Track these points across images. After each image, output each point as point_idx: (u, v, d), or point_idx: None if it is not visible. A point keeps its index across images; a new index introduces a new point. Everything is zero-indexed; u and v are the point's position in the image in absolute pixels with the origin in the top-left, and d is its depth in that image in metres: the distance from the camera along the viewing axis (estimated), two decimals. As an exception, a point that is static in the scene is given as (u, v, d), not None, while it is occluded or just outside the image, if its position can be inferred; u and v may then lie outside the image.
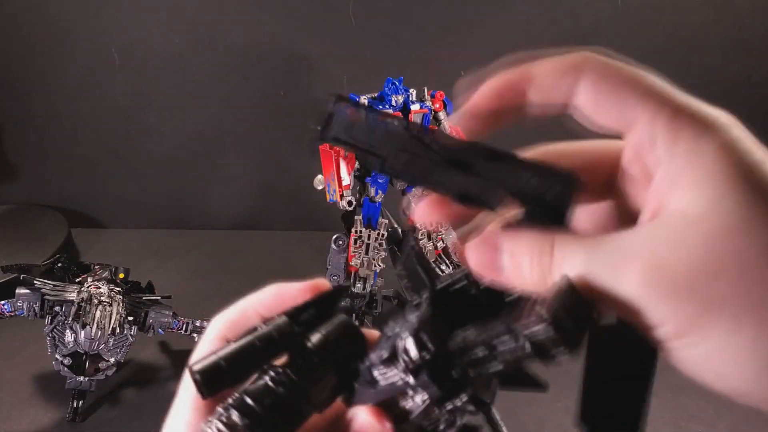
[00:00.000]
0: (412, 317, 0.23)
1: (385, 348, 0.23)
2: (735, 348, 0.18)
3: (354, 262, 0.84)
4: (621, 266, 0.19)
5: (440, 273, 0.89)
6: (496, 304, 0.23)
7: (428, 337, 0.22)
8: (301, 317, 0.25)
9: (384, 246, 0.85)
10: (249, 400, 0.22)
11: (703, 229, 0.18)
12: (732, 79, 1.16)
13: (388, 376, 0.23)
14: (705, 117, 0.21)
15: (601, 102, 0.22)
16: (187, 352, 0.84)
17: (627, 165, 0.23)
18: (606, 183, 0.24)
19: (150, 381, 0.88)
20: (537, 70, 0.23)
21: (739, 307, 0.18)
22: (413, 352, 0.22)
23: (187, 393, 0.26)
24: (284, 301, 0.27)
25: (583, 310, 0.19)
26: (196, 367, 0.22)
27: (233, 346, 0.23)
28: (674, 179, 0.20)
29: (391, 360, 0.23)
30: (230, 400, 0.23)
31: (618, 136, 0.23)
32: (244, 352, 0.23)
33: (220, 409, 0.22)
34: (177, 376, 0.88)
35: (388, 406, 0.24)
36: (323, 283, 0.28)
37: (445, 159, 0.23)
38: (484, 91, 0.24)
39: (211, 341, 0.26)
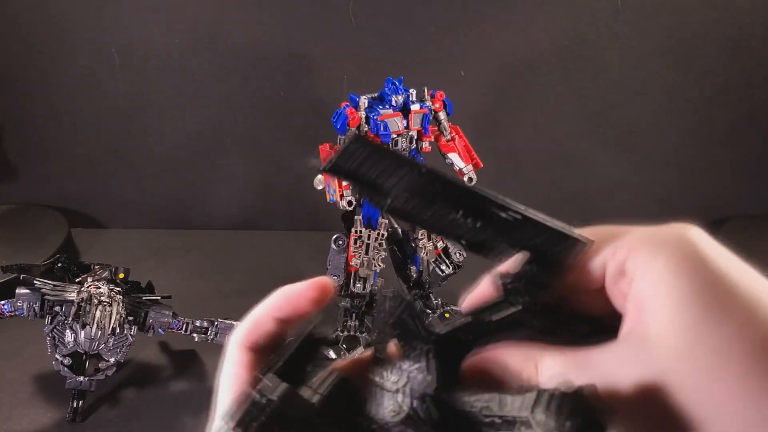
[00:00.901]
0: (415, 372, 0.23)
1: (388, 402, 0.23)
2: None
3: (354, 262, 0.84)
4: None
5: (441, 272, 0.88)
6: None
7: (435, 399, 0.22)
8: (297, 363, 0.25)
9: (384, 246, 0.85)
10: None
11: (661, 353, 0.21)
12: (732, 79, 1.16)
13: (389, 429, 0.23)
14: (662, 241, 0.23)
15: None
16: (188, 352, 0.84)
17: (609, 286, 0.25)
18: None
19: (150, 381, 0.88)
20: None
21: (704, 411, 0.20)
22: (421, 411, 0.22)
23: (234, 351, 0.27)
24: (293, 303, 0.28)
25: (583, 413, 0.20)
26: None
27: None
28: (639, 302, 0.22)
29: (393, 414, 0.23)
30: None
31: None
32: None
33: None
34: (177, 376, 0.89)
35: None
36: (326, 281, 0.29)
37: (458, 204, 0.23)
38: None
39: (236, 352, 0.27)
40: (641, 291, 0.22)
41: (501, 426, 0.21)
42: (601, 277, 0.24)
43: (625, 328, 0.23)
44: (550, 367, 0.23)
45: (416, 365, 0.23)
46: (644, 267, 0.22)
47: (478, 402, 0.22)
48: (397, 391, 0.23)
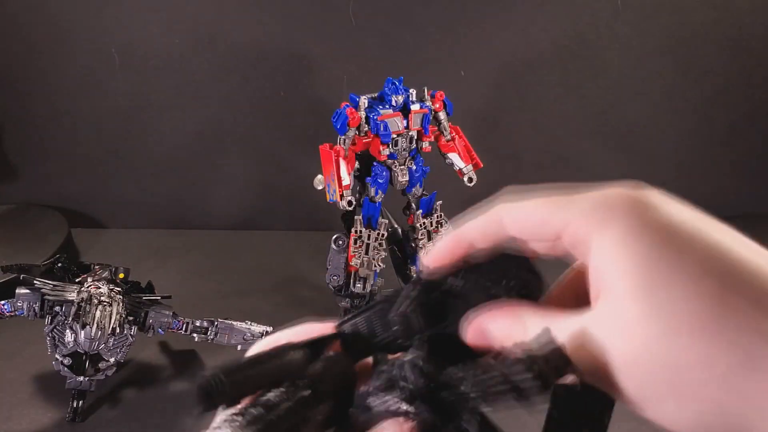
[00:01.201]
0: (408, 354, 0.25)
1: (383, 378, 0.25)
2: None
3: (354, 262, 0.84)
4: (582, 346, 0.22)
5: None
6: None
7: (426, 366, 0.24)
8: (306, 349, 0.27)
9: (384, 246, 0.85)
10: (257, 410, 0.23)
11: (613, 332, 0.21)
12: (732, 79, 1.16)
13: (385, 403, 0.24)
14: (610, 209, 0.23)
15: (528, 239, 0.25)
16: (187, 352, 0.84)
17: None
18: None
19: (150, 381, 0.89)
20: (469, 236, 0.27)
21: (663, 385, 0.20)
22: (412, 378, 0.23)
23: None
24: (312, 335, 0.28)
25: (558, 361, 0.21)
26: (209, 373, 0.23)
27: (244, 358, 0.25)
28: (596, 278, 0.23)
29: (390, 388, 0.24)
30: (236, 410, 0.23)
31: None
32: (253, 362, 0.25)
33: (226, 416, 0.23)
34: (177, 376, 0.89)
35: None
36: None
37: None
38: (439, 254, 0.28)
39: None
40: (596, 267, 0.22)
41: (472, 392, 0.22)
42: (559, 253, 0.25)
43: (592, 303, 0.23)
44: (534, 325, 0.23)
45: (413, 354, 0.25)
46: (596, 241, 0.22)
47: (461, 379, 0.23)
48: (384, 370, 0.25)
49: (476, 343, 0.25)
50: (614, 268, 0.22)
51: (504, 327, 0.25)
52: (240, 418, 0.22)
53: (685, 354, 0.20)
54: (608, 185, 0.24)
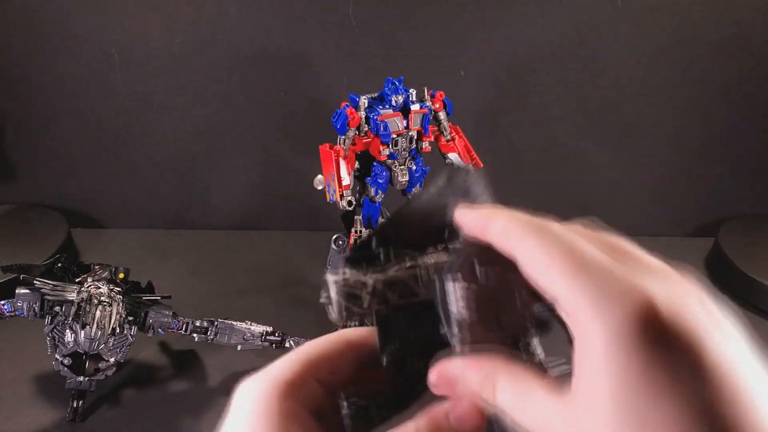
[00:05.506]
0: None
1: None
2: None
3: (354, 262, 0.84)
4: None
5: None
6: None
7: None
8: None
9: (384, 246, 0.85)
10: None
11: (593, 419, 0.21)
12: (732, 79, 1.16)
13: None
14: (617, 302, 0.22)
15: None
16: (187, 352, 0.84)
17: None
18: None
19: (150, 381, 0.89)
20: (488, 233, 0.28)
21: None
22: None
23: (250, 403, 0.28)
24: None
25: None
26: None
27: None
28: (590, 365, 0.22)
29: None
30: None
31: None
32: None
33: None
34: (177, 376, 0.89)
35: None
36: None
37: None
38: None
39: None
40: (590, 354, 0.22)
41: None
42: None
43: (573, 386, 0.22)
44: (503, 391, 0.23)
45: None
46: (593, 330, 0.21)
47: None
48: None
49: (438, 384, 0.25)
50: (607, 372, 0.21)
51: (472, 382, 0.24)
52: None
53: None
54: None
